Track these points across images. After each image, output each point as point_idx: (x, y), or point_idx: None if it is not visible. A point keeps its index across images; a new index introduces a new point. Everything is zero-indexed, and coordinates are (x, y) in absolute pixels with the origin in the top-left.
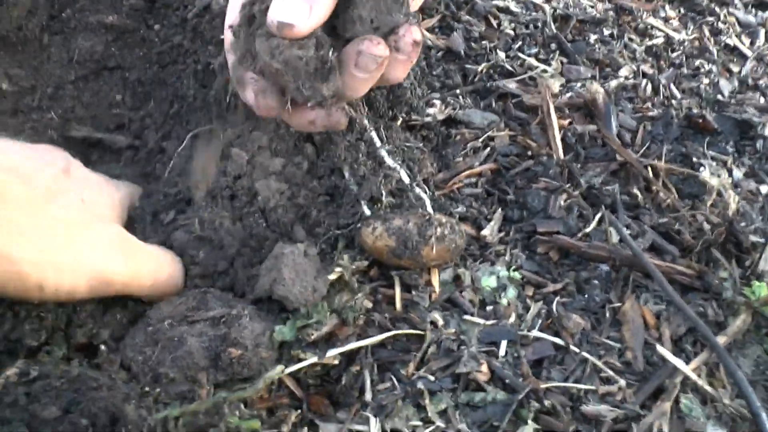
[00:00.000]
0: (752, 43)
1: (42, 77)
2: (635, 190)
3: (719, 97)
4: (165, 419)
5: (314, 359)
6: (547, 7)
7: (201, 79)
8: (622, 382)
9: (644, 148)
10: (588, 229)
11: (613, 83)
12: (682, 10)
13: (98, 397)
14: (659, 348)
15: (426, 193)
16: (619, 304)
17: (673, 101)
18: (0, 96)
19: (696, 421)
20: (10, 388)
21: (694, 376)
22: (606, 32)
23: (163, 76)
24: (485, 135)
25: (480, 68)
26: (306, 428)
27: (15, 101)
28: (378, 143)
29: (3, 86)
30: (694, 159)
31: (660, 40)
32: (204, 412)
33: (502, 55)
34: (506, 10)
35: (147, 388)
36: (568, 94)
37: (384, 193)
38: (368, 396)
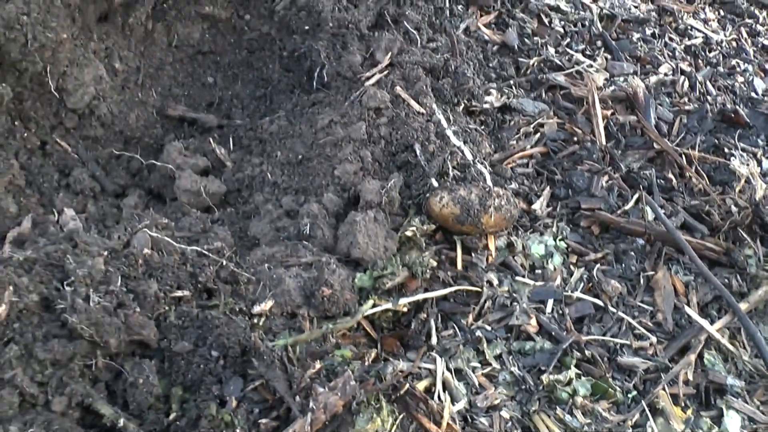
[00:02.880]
0: None
1: (146, 59)
2: (670, 175)
3: (753, 94)
4: (285, 347)
5: (389, 305)
6: (594, 6)
7: (286, 65)
8: (654, 339)
9: (679, 138)
10: (626, 207)
11: (653, 79)
12: (722, 12)
13: (226, 332)
14: (687, 309)
15: (486, 168)
16: (652, 273)
17: (709, 97)
18: (112, 73)
19: (718, 373)
20: None
21: (717, 336)
22: (648, 32)
23: (252, 61)
24: (536, 122)
25: (532, 62)
26: (382, 363)
27: (124, 79)
28: (445, 124)
29: (116, 65)
30: (726, 150)
31: (699, 40)
32: (314, 340)
33: (552, 50)
34: (557, 9)
35: (256, 320)
36: (612, 88)
37: (450, 167)
38: (434, 340)
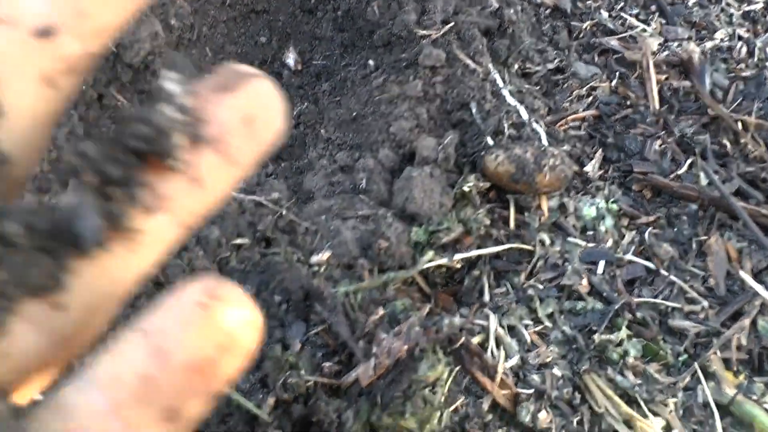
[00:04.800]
0: None
1: (200, 17)
2: (725, 141)
3: None
4: (346, 293)
5: (444, 260)
6: None
7: (339, 24)
8: (705, 303)
9: (735, 104)
10: (680, 172)
11: (709, 44)
12: None
13: (289, 277)
14: (742, 273)
15: (542, 127)
16: (705, 238)
17: (767, 64)
18: (167, 30)
19: None
20: None
21: None
22: None
23: (304, 20)
24: (588, 85)
25: (585, 25)
26: (437, 318)
27: (178, 35)
28: (501, 84)
29: (172, 21)
30: None
31: (759, 6)
32: (375, 288)
33: (605, 14)
34: None
35: (316, 268)
36: (665, 53)
37: (506, 126)
38: (487, 297)
